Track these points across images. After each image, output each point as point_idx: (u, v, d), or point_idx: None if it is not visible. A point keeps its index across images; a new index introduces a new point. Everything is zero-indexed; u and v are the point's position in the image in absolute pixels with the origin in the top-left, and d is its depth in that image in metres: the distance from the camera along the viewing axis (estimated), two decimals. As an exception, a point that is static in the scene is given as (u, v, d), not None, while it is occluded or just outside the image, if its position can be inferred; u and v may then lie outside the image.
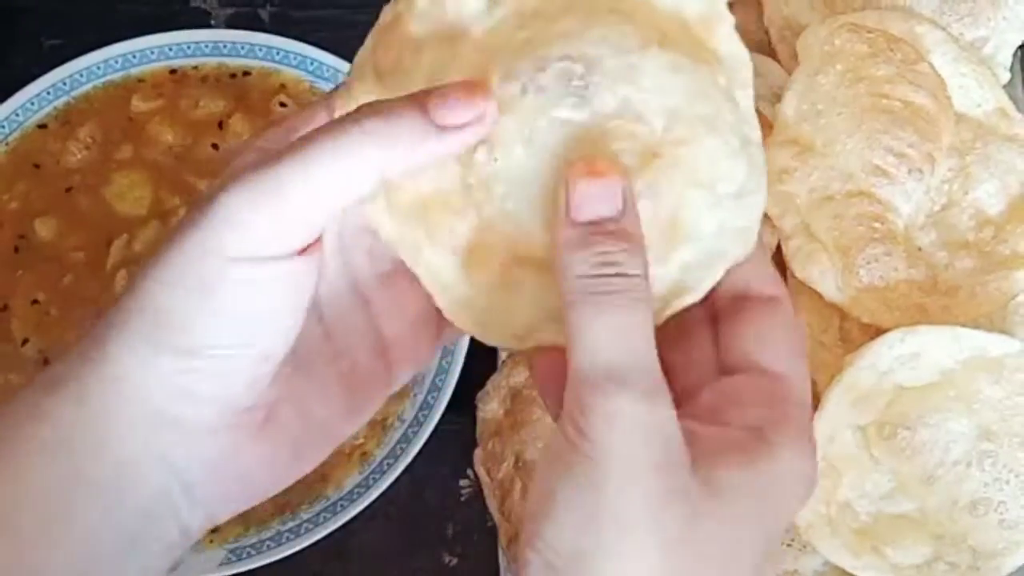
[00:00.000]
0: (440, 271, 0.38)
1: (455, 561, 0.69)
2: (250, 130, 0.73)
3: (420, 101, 0.35)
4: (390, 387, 0.41)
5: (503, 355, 0.68)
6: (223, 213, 0.34)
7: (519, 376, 0.66)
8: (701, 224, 0.36)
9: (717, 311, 0.39)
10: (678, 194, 0.36)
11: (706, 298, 0.37)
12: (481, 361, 0.68)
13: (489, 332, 0.38)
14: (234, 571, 0.65)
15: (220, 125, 0.73)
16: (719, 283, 0.37)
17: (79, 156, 0.73)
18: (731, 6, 0.66)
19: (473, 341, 0.67)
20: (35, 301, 0.70)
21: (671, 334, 0.37)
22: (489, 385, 0.67)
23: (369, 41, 0.40)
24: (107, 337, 0.35)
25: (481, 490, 0.66)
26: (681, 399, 0.35)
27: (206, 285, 0.34)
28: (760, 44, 0.68)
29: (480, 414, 0.67)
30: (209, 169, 0.72)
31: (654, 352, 0.34)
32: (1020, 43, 0.70)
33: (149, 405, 0.35)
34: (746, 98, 0.38)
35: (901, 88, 0.63)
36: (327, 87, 0.74)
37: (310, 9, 0.79)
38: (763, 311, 0.38)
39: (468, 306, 0.37)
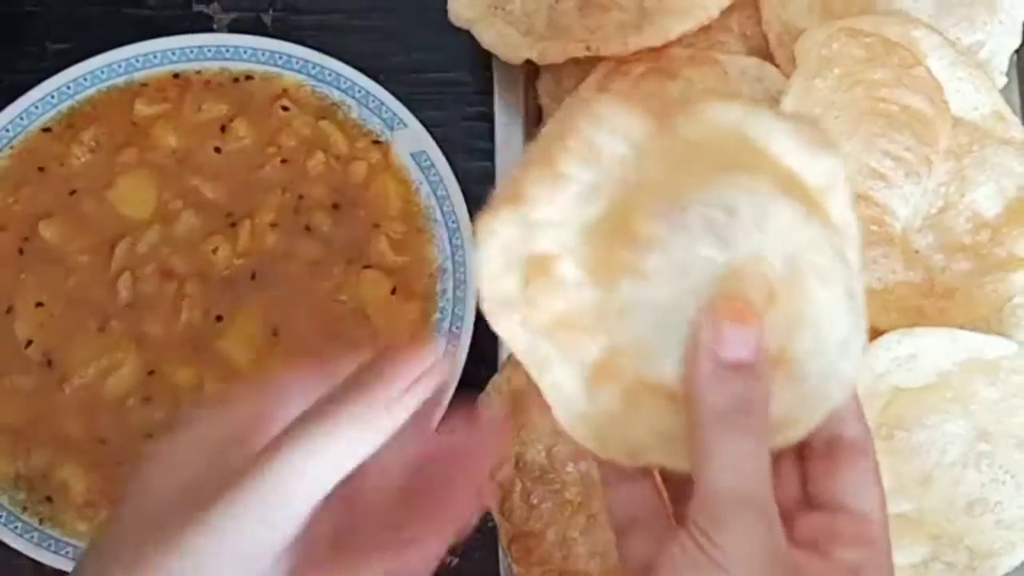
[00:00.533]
0: (564, 385, 0.41)
1: (456, 561, 0.69)
2: (253, 133, 0.73)
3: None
4: None
5: (504, 358, 0.68)
6: (233, 522, 0.36)
7: (519, 379, 0.66)
8: (808, 367, 0.39)
9: (806, 447, 0.41)
10: (790, 336, 0.39)
11: None
12: (482, 364, 0.69)
13: (604, 446, 0.41)
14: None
15: (223, 129, 0.73)
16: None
17: (83, 159, 0.73)
18: (729, 10, 0.67)
19: (474, 343, 0.68)
20: (39, 303, 0.70)
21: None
22: (490, 387, 0.67)
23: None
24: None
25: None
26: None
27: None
28: (758, 48, 0.68)
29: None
30: (212, 172, 0.73)
31: (771, 480, 0.38)
32: (1016, 47, 0.70)
33: None
34: (856, 258, 0.40)
35: (898, 92, 0.63)
36: (328, 91, 0.74)
37: (312, 14, 0.79)
38: (854, 457, 0.41)
39: (586, 420, 0.41)
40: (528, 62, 0.67)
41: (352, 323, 0.70)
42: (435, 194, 0.72)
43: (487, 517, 0.66)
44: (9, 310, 0.70)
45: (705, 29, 0.66)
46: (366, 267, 0.71)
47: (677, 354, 0.40)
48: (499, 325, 0.41)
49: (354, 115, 0.74)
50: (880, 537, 0.41)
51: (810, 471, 0.41)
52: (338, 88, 0.75)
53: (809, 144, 0.40)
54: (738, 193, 0.39)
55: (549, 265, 0.40)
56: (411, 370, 0.39)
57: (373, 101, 0.74)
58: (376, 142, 0.74)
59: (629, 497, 0.42)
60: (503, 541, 0.65)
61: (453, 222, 0.71)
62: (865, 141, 0.63)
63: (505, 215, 0.41)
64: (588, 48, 0.65)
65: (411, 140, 0.73)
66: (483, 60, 0.71)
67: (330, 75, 0.75)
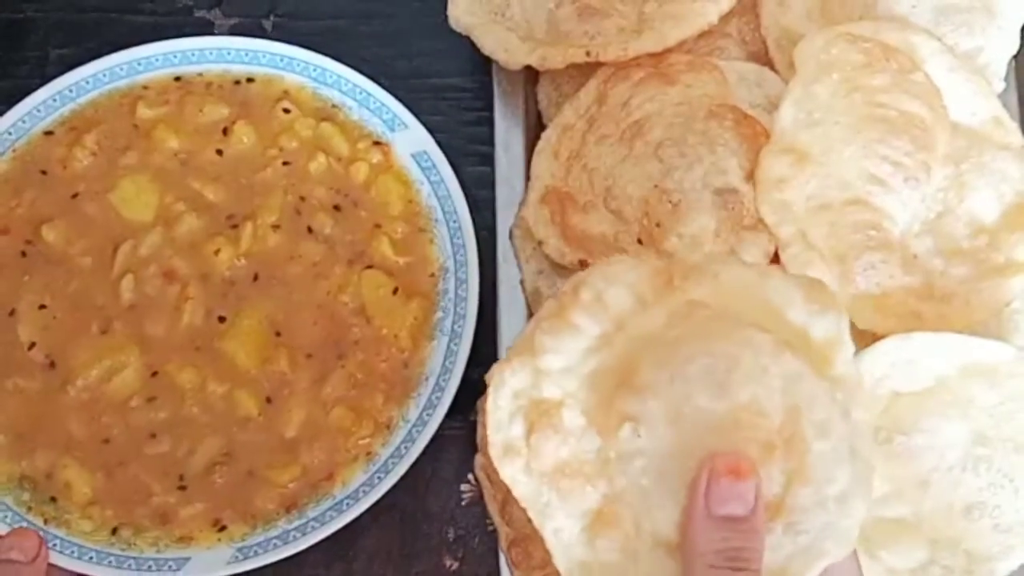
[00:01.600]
0: (564, 532, 0.42)
1: (456, 564, 0.69)
2: (254, 136, 0.74)
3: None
4: None
5: None
6: None
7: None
8: (807, 520, 0.40)
9: None
10: (788, 488, 0.40)
11: None
12: (482, 368, 0.69)
13: None
14: (241, 569, 0.66)
15: (224, 131, 0.74)
16: None
17: (85, 163, 0.73)
18: (728, 16, 0.67)
19: (474, 347, 0.69)
20: (42, 306, 0.70)
21: None
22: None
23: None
24: None
25: (482, 495, 0.67)
26: None
27: None
28: (757, 54, 0.68)
29: (481, 420, 0.67)
30: (214, 174, 0.73)
31: None
32: (1014, 53, 0.70)
33: None
34: (860, 415, 0.41)
35: (897, 97, 0.63)
36: (329, 93, 0.75)
37: (312, 20, 0.80)
38: None
39: (585, 569, 0.42)
40: (528, 67, 0.67)
41: (354, 323, 0.71)
42: (436, 194, 0.73)
43: (487, 521, 0.67)
44: (12, 313, 0.70)
45: (704, 35, 0.66)
46: (368, 267, 0.71)
47: (674, 503, 0.41)
48: (504, 471, 0.43)
49: (355, 116, 0.75)
50: None
51: None
52: (339, 90, 0.75)
53: (816, 301, 0.41)
54: (740, 346, 0.41)
55: (553, 412, 0.42)
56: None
57: (374, 102, 0.74)
58: (377, 143, 0.74)
59: None
60: (503, 545, 0.65)
61: (455, 222, 0.72)
62: (864, 146, 0.63)
63: (517, 365, 0.42)
64: (588, 53, 0.65)
65: (412, 141, 0.74)
66: (483, 65, 0.72)
67: (331, 77, 0.75)
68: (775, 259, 0.65)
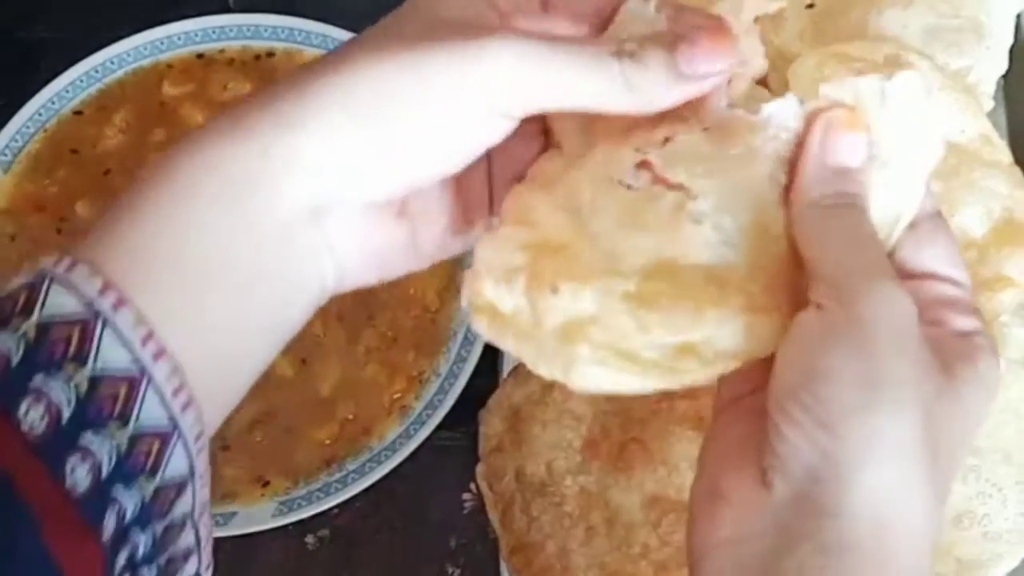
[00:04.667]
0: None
1: (458, 571, 0.70)
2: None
3: (669, 47, 0.39)
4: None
5: (505, 373, 0.69)
6: (494, 66, 0.38)
7: (520, 395, 0.67)
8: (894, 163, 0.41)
9: None
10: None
11: None
12: (484, 378, 0.71)
13: None
14: (285, 522, 0.68)
15: (248, 105, 0.76)
16: None
17: (115, 140, 0.75)
18: None
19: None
20: (79, 280, 0.73)
21: None
22: (491, 402, 0.68)
23: None
24: (303, 104, 0.38)
25: (483, 503, 0.67)
26: None
27: (449, 113, 0.38)
28: None
29: (482, 430, 0.68)
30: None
31: (885, 251, 0.39)
32: (1003, 72, 0.70)
33: (322, 174, 0.38)
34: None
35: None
36: (348, 65, 0.77)
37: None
38: (935, 229, 0.42)
39: None
40: None
41: (381, 287, 0.73)
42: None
43: (488, 528, 0.67)
44: (50, 287, 0.73)
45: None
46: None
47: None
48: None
49: (374, 87, 0.77)
50: (972, 302, 0.41)
51: (897, 246, 0.41)
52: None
53: None
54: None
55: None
56: (709, 59, 0.39)
57: (391, 72, 0.77)
58: (396, 111, 0.77)
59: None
60: (504, 552, 0.66)
61: (476, 183, 0.74)
62: None
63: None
64: None
65: (430, 108, 0.76)
66: None
67: (349, 49, 0.77)
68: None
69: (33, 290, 0.36)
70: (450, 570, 0.70)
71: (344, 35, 0.77)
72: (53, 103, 0.76)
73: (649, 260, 0.39)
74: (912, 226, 0.41)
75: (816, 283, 0.38)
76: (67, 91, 0.76)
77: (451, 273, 0.73)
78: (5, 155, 0.75)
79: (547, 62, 0.38)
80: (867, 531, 0.36)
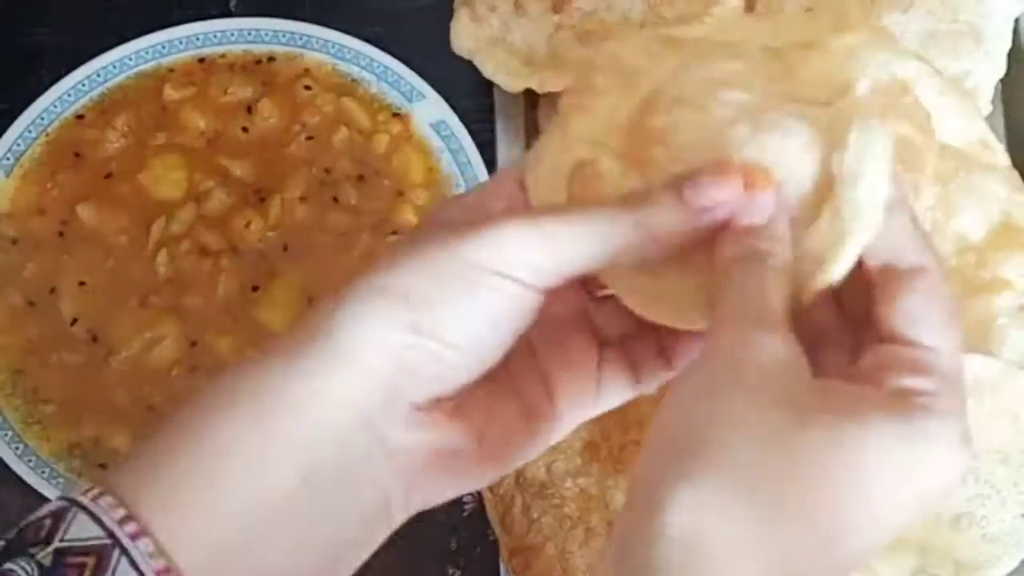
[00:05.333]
0: None
1: (458, 573, 0.70)
2: (278, 113, 0.76)
3: (676, 187, 0.40)
4: (556, 430, 0.44)
5: None
6: (495, 237, 0.39)
7: None
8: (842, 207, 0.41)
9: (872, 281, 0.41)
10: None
11: (861, 267, 0.40)
12: None
13: None
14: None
15: (249, 109, 0.76)
16: (864, 258, 0.40)
17: (117, 144, 0.76)
18: None
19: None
20: (82, 283, 0.73)
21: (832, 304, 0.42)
22: None
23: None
24: (339, 311, 0.39)
25: (483, 505, 0.68)
26: (846, 363, 0.39)
27: (461, 284, 0.39)
28: None
29: None
30: (240, 151, 0.76)
31: (781, 305, 0.38)
32: (1001, 76, 0.71)
33: (369, 376, 0.39)
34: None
35: (888, 120, 0.64)
36: (348, 68, 0.78)
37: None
38: (910, 282, 0.39)
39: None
40: (528, 90, 0.69)
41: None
42: (456, 161, 0.75)
43: (488, 530, 0.68)
44: (53, 290, 0.73)
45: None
46: (393, 233, 0.74)
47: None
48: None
49: (374, 90, 0.77)
50: (947, 369, 0.37)
51: (873, 305, 0.40)
52: (358, 65, 0.78)
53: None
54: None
55: (590, 167, 0.43)
56: (715, 191, 0.40)
57: (392, 75, 0.77)
58: (396, 114, 0.77)
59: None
60: (504, 554, 0.66)
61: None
62: None
63: (549, 138, 0.44)
64: None
65: (430, 111, 0.76)
66: (484, 88, 0.73)
67: (349, 53, 0.78)
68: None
69: (57, 518, 0.37)
70: (450, 572, 0.70)
71: (344, 39, 0.78)
72: (55, 107, 0.76)
73: None
74: (892, 276, 0.40)
75: (709, 335, 0.38)
76: (69, 95, 0.76)
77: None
78: (7, 159, 0.75)
79: (543, 225, 0.40)
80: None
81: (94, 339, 0.72)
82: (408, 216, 0.75)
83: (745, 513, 0.34)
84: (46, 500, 0.64)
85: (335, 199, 0.75)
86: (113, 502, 0.37)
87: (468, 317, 0.39)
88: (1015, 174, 0.67)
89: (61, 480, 0.69)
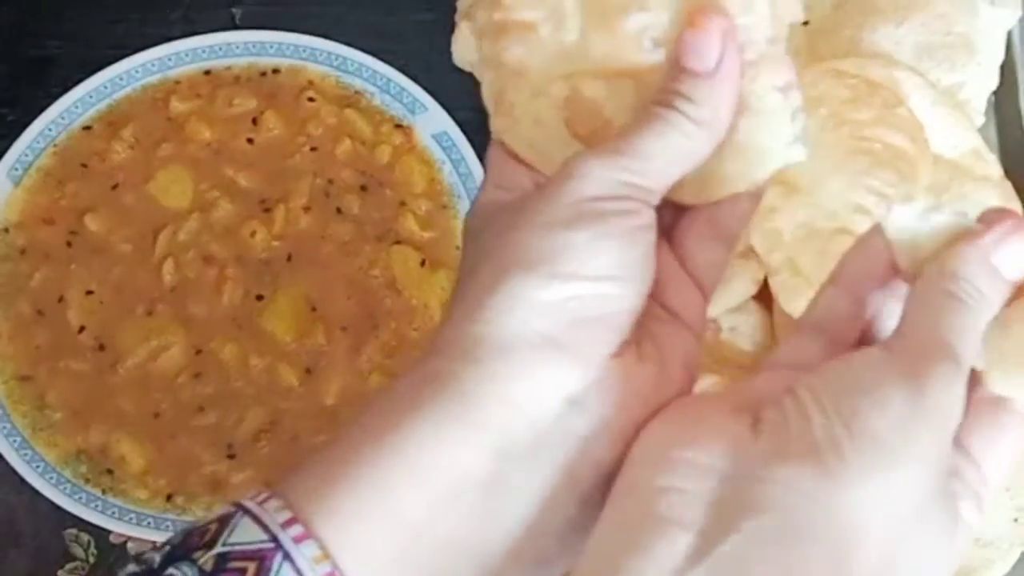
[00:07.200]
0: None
1: None
2: (282, 124, 0.77)
3: (690, 72, 0.40)
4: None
5: None
6: (589, 176, 0.39)
7: None
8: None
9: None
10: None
11: None
12: None
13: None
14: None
15: (254, 121, 0.77)
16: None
17: (124, 155, 0.76)
18: None
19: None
20: (89, 292, 0.74)
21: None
22: None
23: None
24: (495, 284, 0.38)
25: None
26: None
27: (586, 219, 0.38)
28: None
29: None
30: (245, 162, 0.77)
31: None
32: (994, 88, 0.72)
33: (538, 334, 0.38)
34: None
35: (881, 131, 0.65)
36: (352, 80, 0.79)
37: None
38: (1000, 418, 0.39)
39: None
40: None
41: (385, 295, 0.74)
42: (457, 172, 0.76)
43: None
44: (61, 299, 0.74)
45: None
46: (396, 243, 0.75)
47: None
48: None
49: (377, 102, 0.78)
50: (978, 485, 0.39)
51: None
52: (361, 77, 0.79)
53: None
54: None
55: (578, 101, 0.42)
56: None
57: (394, 87, 0.78)
58: (399, 126, 0.78)
59: (842, 304, 0.41)
60: None
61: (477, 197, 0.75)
62: (850, 178, 0.65)
63: (511, 93, 0.43)
64: None
65: (432, 122, 0.77)
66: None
67: (353, 65, 0.78)
68: (764, 285, 0.67)
69: (223, 522, 0.37)
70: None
71: (347, 52, 0.79)
72: (63, 118, 0.77)
73: None
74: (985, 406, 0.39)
75: (895, 339, 0.37)
76: (77, 107, 0.77)
77: (453, 284, 0.74)
78: (16, 169, 0.76)
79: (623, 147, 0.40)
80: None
81: (101, 347, 0.73)
82: (410, 225, 0.76)
83: None
84: (53, 506, 0.66)
85: (338, 209, 0.76)
86: (279, 504, 0.36)
87: (605, 247, 0.38)
88: (1008, 184, 0.68)
89: (68, 486, 0.70)
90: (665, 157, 0.40)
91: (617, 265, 0.39)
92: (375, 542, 0.36)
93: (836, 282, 0.42)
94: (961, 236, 0.39)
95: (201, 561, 0.36)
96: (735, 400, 0.38)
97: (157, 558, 0.37)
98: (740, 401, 0.37)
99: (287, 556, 0.35)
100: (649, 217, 0.40)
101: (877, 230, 0.41)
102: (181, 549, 0.37)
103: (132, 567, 0.37)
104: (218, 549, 0.36)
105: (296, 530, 0.36)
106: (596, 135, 0.42)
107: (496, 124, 0.44)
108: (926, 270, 0.39)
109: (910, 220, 0.40)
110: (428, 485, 0.37)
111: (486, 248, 0.40)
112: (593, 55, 0.42)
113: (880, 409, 0.35)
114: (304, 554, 0.35)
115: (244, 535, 0.36)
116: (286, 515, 0.36)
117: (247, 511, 0.37)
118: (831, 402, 0.35)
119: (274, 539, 0.36)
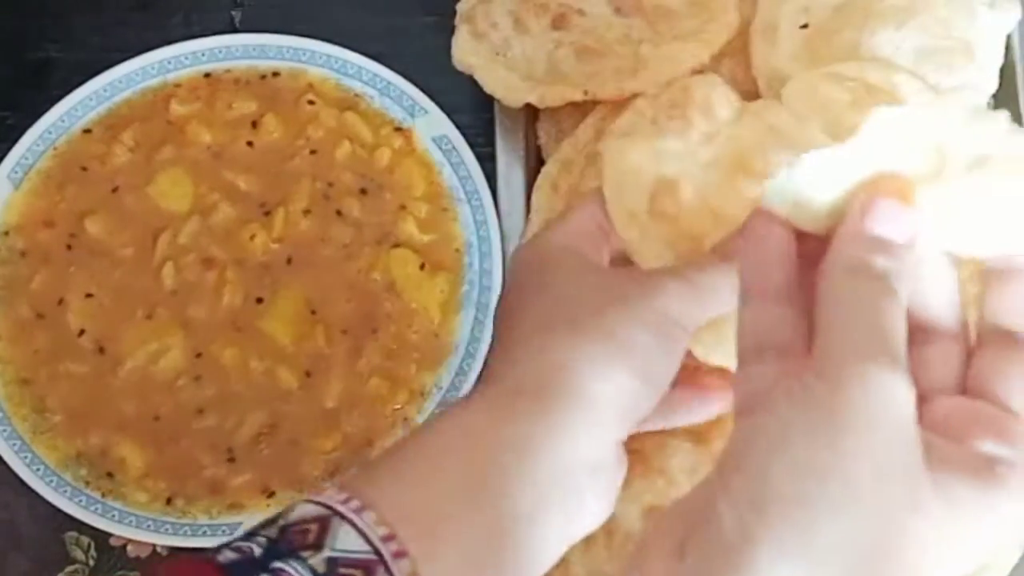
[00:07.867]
0: None
1: None
2: (282, 127, 0.77)
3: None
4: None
5: None
6: (670, 293, 0.46)
7: None
8: None
9: (979, 335, 0.40)
10: None
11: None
12: None
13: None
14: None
15: (254, 124, 0.77)
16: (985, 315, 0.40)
17: (123, 158, 0.76)
18: (720, 56, 0.69)
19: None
20: (89, 295, 0.74)
21: (920, 337, 0.39)
22: None
23: None
24: (573, 359, 0.45)
25: None
26: (917, 401, 0.36)
27: (663, 334, 0.45)
28: (749, 93, 0.67)
29: None
30: (245, 165, 0.77)
31: (903, 338, 0.36)
32: (993, 92, 0.71)
33: (592, 409, 0.44)
34: None
35: None
36: (351, 83, 0.79)
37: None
38: (1012, 346, 0.39)
39: None
40: (528, 105, 0.69)
41: (385, 298, 0.74)
42: (457, 175, 0.76)
43: None
44: (61, 302, 0.74)
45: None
46: (395, 246, 0.75)
47: None
48: (626, 235, 0.48)
49: (376, 105, 0.78)
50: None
51: (972, 359, 0.39)
52: (360, 80, 0.79)
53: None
54: None
55: (673, 187, 0.46)
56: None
57: (394, 91, 0.78)
58: (398, 129, 0.78)
59: (764, 317, 0.39)
60: None
61: (476, 200, 0.75)
62: None
63: (639, 142, 0.47)
64: (585, 92, 0.67)
65: (432, 125, 0.77)
66: (485, 103, 0.74)
67: (352, 68, 0.79)
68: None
69: (323, 525, 0.39)
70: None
71: (347, 55, 0.79)
72: (63, 121, 0.77)
73: None
74: (998, 337, 0.39)
75: (814, 351, 0.36)
76: (76, 110, 0.77)
77: (453, 287, 0.75)
78: (16, 172, 0.76)
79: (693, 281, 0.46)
80: None
81: (101, 350, 0.73)
82: (410, 229, 0.76)
83: None
84: (54, 509, 0.66)
85: (338, 212, 0.76)
86: (376, 518, 0.39)
87: (669, 362, 0.45)
88: (1007, 186, 0.69)
89: (68, 489, 0.70)
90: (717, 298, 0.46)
91: (668, 380, 0.47)
92: (462, 560, 0.41)
93: (747, 296, 0.40)
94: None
95: (312, 561, 0.38)
96: (670, 528, 0.37)
97: (255, 548, 0.38)
98: (673, 530, 0.37)
99: (388, 570, 0.39)
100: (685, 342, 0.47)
101: (758, 215, 0.40)
102: (284, 545, 0.38)
103: (231, 554, 0.38)
104: (327, 553, 0.38)
105: (393, 546, 0.39)
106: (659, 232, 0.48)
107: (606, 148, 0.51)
108: (822, 270, 0.38)
109: (786, 183, 0.39)
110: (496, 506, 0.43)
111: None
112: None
113: (788, 466, 0.34)
114: (402, 569, 0.39)
115: (348, 543, 0.39)
116: (383, 530, 0.39)
117: (344, 517, 0.39)
118: (743, 486, 0.35)
119: (377, 553, 0.39)
